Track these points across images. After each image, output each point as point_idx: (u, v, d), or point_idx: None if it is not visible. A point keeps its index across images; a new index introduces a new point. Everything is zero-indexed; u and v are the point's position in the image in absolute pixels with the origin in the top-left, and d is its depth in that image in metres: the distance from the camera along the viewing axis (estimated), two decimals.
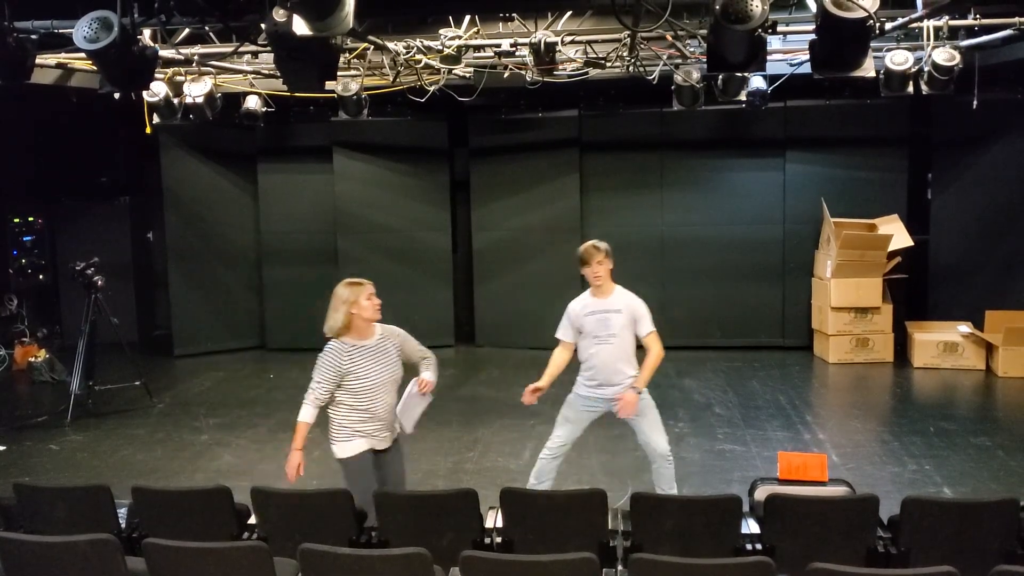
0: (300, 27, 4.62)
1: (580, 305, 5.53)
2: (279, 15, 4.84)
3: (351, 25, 4.46)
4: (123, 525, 4.52)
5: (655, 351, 5.39)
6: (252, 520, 4.51)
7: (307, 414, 4.80)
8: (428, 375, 5.00)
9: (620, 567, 4.12)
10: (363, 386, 4.81)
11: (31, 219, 12.27)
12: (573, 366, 5.64)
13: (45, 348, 10.93)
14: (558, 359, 5.60)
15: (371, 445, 4.90)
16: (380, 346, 4.91)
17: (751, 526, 4.33)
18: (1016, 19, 6.89)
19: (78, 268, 8.95)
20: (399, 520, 4.27)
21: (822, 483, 4.76)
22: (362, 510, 4.49)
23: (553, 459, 5.64)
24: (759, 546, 4.08)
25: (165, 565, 3.58)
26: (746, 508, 4.47)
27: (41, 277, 12.29)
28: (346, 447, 4.88)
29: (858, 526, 4.06)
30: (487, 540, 4.25)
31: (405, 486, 5.13)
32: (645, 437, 5.50)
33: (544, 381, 5.52)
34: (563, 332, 5.60)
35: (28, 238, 12.22)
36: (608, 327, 5.41)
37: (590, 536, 4.13)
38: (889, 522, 4.26)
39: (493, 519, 4.44)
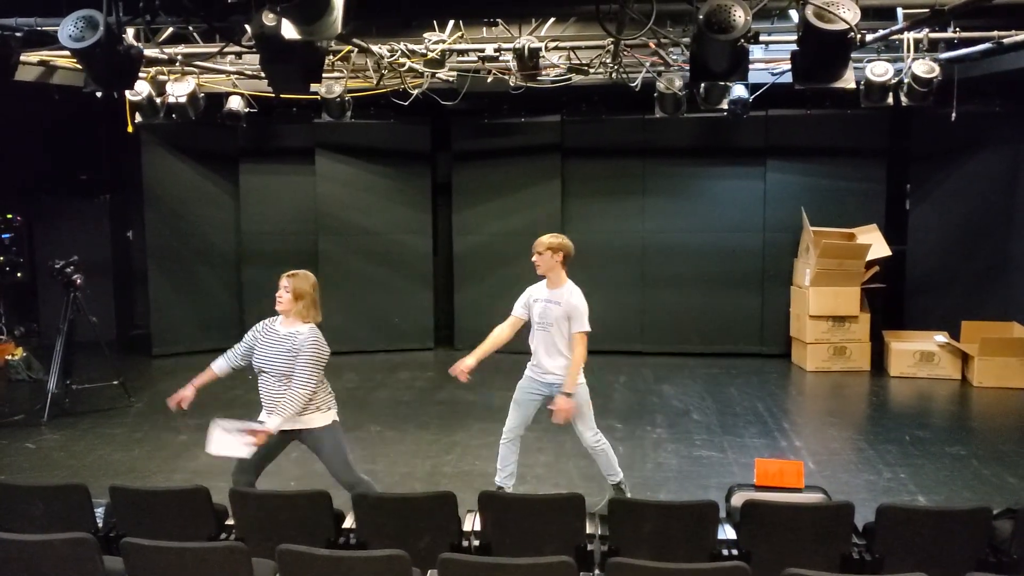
0: (288, 31, 4.62)
1: (536, 290, 5.96)
2: (267, 18, 4.83)
3: (340, 29, 4.47)
4: (100, 524, 4.51)
5: (576, 352, 5.66)
6: (230, 521, 4.51)
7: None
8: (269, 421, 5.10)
9: (597, 571, 4.15)
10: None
11: (10, 216, 12.13)
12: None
13: (22, 346, 10.83)
14: (496, 333, 5.97)
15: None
16: (287, 338, 5.09)
17: (727, 532, 4.37)
18: (995, 32, 7.00)
19: (57, 266, 8.86)
20: (377, 522, 4.28)
21: (798, 490, 4.81)
22: (340, 512, 4.50)
23: (509, 443, 5.87)
24: (735, 551, 4.12)
25: (143, 565, 3.57)
26: (723, 514, 4.51)
27: (19, 274, 12.14)
28: None
29: (833, 533, 4.10)
30: (465, 543, 4.27)
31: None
32: (577, 431, 5.83)
33: (473, 358, 5.81)
34: (517, 307, 6.02)
35: (7, 235, 12.09)
36: (546, 316, 5.78)
37: (567, 540, 4.15)
38: (864, 529, 4.32)
39: (471, 522, 4.47)
